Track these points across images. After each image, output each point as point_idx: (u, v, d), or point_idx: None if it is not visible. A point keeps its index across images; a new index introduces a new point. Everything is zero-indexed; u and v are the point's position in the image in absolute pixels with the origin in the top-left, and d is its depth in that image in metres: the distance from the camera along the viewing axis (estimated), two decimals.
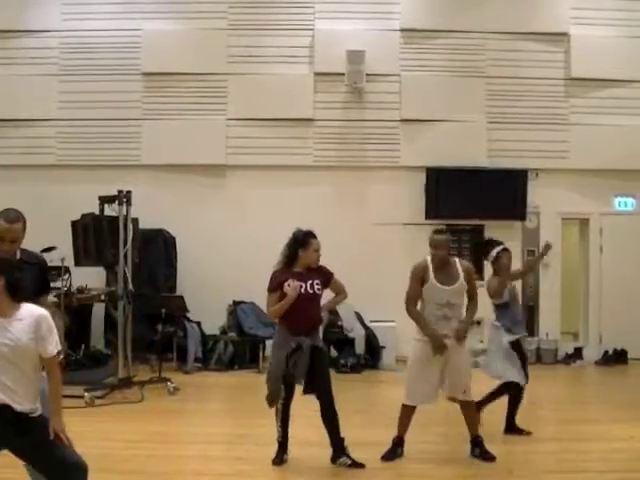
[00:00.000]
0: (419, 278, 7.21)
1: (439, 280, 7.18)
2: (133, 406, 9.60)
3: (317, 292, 7.14)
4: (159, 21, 13.70)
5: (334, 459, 6.97)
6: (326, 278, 7.20)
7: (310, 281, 7.09)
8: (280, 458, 6.99)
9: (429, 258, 7.30)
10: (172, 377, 10.99)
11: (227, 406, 10.59)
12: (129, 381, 10.36)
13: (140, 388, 10.19)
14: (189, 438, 8.21)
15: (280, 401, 6.97)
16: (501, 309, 8.31)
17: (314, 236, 7.31)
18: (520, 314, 8.63)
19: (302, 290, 7.02)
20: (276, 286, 7.14)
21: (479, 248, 8.26)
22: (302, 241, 7.15)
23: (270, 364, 7.20)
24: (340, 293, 7.37)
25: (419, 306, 7.30)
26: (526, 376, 8.18)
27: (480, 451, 7.25)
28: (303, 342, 6.95)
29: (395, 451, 7.23)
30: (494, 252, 8.27)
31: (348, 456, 6.93)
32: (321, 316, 7.28)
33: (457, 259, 7.47)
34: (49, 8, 13.67)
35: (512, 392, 8.19)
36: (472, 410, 7.35)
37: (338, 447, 6.96)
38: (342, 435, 6.98)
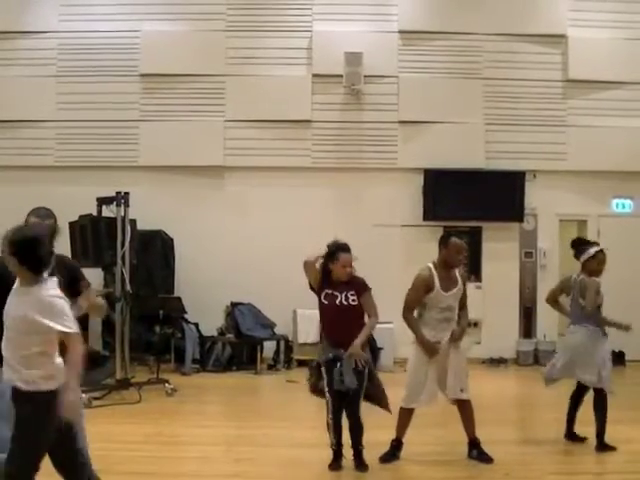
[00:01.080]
0: (424, 288, 7.14)
1: (443, 287, 7.16)
2: (131, 407, 9.60)
3: (352, 304, 6.96)
4: (157, 22, 13.71)
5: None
6: (356, 289, 7.05)
7: (345, 293, 6.95)
8: (337, 464, 6.91)
9: (432, 265, 7.23)
10: (170, 378, 10.99)
11: (225, 407, 10.59)
12: (127, 382, 10.35)
13: (138, 389, 10.18)
14: (187, 439, 8.20)
15: (330, 415, 6.88)
16: (598, 311, 7.97)
17: (345, 249, 7.07)
18: None
19: (337, 302, 6.94)
20: (318, 297, 7.05)
21: (574, 245, 7.93)
22: (331, 254, 7.03)
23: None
24: (370, 315, 7.14)
25: (418, 310, 7.27)
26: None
27: (477, 452, 7.25)
28: (341, 354, 6.84)
29: (394, 454, 7.23)
30: (592, 250, 7.91)
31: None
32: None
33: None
34: (47, 9, 13.68)
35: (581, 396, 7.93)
36: (470, 411, 7.33)
37: (357, 456, 6.96)
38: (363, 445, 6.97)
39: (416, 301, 7.19)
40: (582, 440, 7.85)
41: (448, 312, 7.19)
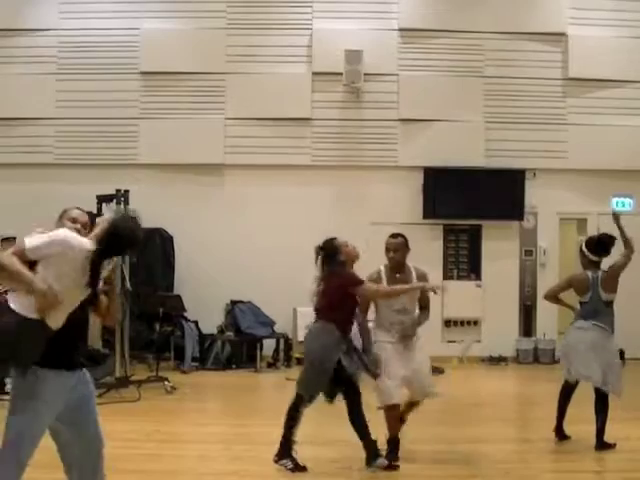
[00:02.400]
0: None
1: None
2: (130, 405, 9.60)
3: None
4: (157, 20, 13.70)
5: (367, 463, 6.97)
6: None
7: None
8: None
9: (382, 268, 7.27)
10: (169, 376, 11.00)
11: (224, 405, 10.60)
12: (126, 380, 10.35)
13: (137, 387, 10.19)
14: (186, 437, 8.21)
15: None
16: (611, 308, 8.05)
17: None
18: None
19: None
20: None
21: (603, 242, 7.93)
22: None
23: (312, 362, 6.99)
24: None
25: (376, 311, 7.26)
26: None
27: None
28: (350, 343, 6.95)
29: (394, 452, 7.21)
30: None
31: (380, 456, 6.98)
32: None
33: (413, 265, 7.38)
34: (47, 7, 13.68)
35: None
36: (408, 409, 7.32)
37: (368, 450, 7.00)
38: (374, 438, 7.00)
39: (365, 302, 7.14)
40: (567, 438, 7.86)
41: (403, 315, 7.15)
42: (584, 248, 7.96)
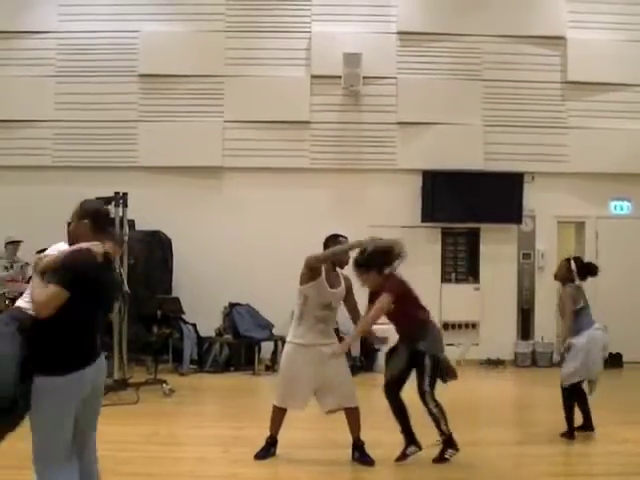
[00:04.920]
0: (314, 270, 7.09)
1: (328, 281, 7.16)
2: (128, 408, 9.58)
3: None
4: (156, 23, 13.71)
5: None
6: None
7: None
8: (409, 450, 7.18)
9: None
10: (167, 379, 10.98)
11: (222, 408, 10.59)
12: (124, 383, 10.33)
13: (135, 390, 10.17)
14: (184, 440, 8.21)
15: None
16: None
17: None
18: None
19: None
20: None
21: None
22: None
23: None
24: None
25: (299, 308, 7.22)
26: None
27: (360, 455, 7.22)
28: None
29: (269, 450, 7.26)
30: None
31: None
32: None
33: (339, 270, 7.36)
34: (46, 9, 13.69)
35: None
36: (358, 415, 7.29)
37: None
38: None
39: (312, 272, 7.09)
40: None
41: (328, 311, 7.18)
42: (573, 266, 8.45)
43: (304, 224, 13.15)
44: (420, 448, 7.15)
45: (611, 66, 13.75)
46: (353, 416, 7.24)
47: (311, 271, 7.04)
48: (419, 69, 13.83)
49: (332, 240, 7.31)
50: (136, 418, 9.09)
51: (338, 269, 7.28)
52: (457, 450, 7.13)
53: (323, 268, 7.11)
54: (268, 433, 7.29)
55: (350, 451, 7.20)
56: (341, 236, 7.37)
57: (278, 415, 7.28)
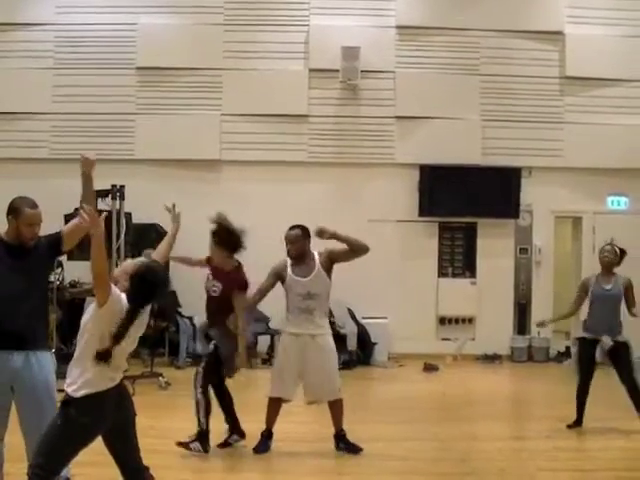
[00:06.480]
0: (275, 275, 7.52)
1: (296, 273, 7.37)
2: None
3: None
4: (154, 15, 13.67)
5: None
6: None
7: None
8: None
9: (289, 259, 7.53)
10: (164, 372, 10.99)
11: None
12: None
13: (132, 383, 10.13)
14: (180, 433, 8.17)
15: None
16: None
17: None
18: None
19: None
20: None
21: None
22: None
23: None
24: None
25: (286, 302, 7.46)
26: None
27: (345, 445, 7.29)
28: None
29: (266, 443, 7.32)
30: None
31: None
32: None
33: (316, 252, 7.50)
34: (44, 1, 13.64)
35: None
36: (341, 407, 7.35)
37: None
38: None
39: (265, 287, 7.57)
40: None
41: (309, 300, 7.29)
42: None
43: (302, 218, 13.06)
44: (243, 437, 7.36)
45: (609, 61, 13.73)
46: (336, 408, 7.31)
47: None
48: (417, 63, 13.81)
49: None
50: None
51: (314, 252, 7.46)
52: (242, 437, 7.38)
53: (289, 266, 7.43)
54: (264, 426, 7.31)
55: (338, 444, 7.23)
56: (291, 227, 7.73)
57: (273, 407, 7.34)
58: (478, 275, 13.97)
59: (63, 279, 11.44)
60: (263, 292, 7.55)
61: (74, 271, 11.71)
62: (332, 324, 13.11)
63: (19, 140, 13.42)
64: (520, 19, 13.83)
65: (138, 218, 12.14)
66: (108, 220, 10.60)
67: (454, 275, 14.01)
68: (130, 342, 4.65)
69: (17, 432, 5.10)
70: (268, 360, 12.95)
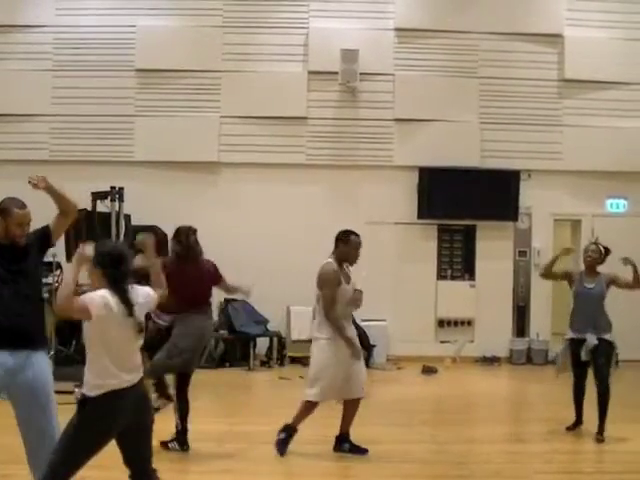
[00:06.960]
0: (338, 281, 7.19)
1: (346, 281, 7.27)
2: None
3: None
4: (153, 18, 13.67)
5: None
6: None
7: None
8: None
9: (332, 260, 7.29)
10: None
11: (217, 404, 10.57)
12: None
13: None
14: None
15: None
16: None
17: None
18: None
19: None
20: None
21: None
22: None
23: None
24: None
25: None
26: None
27: (351, 446, 7.28)
28: None
29: (288, 442, 7.26)
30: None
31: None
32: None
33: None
34: (43, 3, 13.64)
35: None
36: (357, 407, 7.32)
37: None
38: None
39: (335, 298, 7.14)
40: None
41: (349, 307, 7.27)
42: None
43: (300, 220, 13.15)
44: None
45: (608, 64, 13.75)
46: (353, 408, 7.28)
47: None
48: (416, 66, 13.82)
49: (343, 236, 7.30)
50: None
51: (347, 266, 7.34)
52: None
53: (339, 271, 7.20)
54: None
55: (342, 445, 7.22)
56: (353, 233, 7.36)
57: (311, 410, 7.24)
58: (477, 278, 13.97)
59: (62, 281, 11.42)
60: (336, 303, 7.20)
61: None
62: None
63: (18, 142, 13.41)
64: (519, 22, 13.83)
65: (137, 220, 12.13)
66: (107, 221, 10.61)
67: (453, 278, 14.01)
68: (134, 335, 4.66)
69: (16, 433, 5.10)
70: (267, 362, 12.98)
